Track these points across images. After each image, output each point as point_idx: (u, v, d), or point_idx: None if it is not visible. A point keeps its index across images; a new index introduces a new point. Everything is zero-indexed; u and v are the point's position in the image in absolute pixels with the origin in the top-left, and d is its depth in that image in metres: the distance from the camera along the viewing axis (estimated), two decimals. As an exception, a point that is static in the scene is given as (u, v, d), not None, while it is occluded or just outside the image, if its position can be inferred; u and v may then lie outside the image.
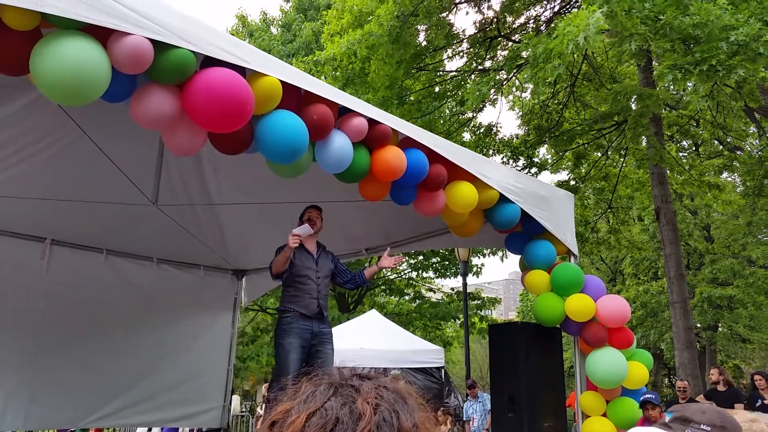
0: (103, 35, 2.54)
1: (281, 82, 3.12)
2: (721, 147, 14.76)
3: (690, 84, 6.58)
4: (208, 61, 2.90)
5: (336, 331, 12.82)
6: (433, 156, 4.07)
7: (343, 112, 3.63)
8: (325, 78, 10.14)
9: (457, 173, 4.27)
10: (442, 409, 11.40)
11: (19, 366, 5.92)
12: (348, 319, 14.48)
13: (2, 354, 5.83)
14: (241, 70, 2.96)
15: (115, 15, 2.50)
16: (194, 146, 3.09)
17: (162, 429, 9.02)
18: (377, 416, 0.69)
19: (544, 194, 5.02)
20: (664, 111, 10.94)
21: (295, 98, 3.32)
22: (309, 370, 0.81)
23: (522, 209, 4.66)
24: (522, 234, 5.05)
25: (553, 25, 9.44)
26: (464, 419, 10.29)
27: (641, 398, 4.97)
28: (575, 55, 6.05)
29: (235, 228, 6.61)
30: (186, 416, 7.24)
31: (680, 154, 14.70)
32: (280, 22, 19.19)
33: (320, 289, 4.79)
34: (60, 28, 2.47)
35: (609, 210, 13.18)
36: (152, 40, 2.61)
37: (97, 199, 5.46)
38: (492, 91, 9.84)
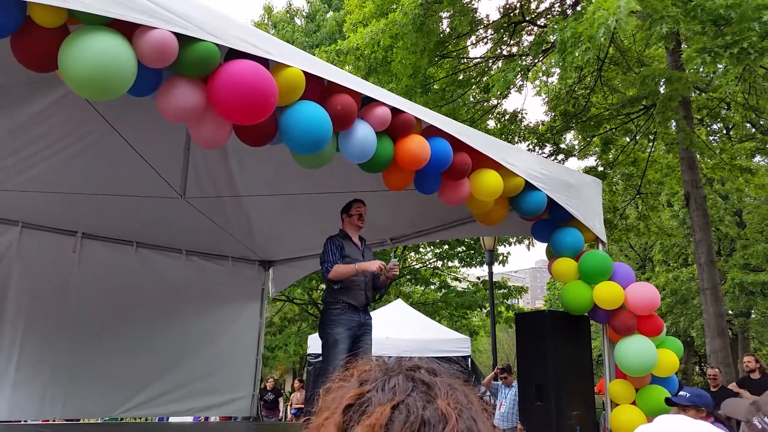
0: (128, 30, 2.57)
1: (304, 72, 3.12)
2: (753, 130, 14.40)
3: (720, 66, 6.42)
4: (232, 54, 2.92)
5: (362, 320, 12.93)
6: (457, 144, 4.04)
7: (366, 102, 3.63)
8: (348, 68, 10.12)
9: (482, 161, 4.24)
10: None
11: (55, 357, 6.07)
12: (374, 309, 14.52)
13: (39, 345, 5.99)
14: (265, 62, 2.97)
15: (139, 9, 2.53)
16: (220, 138, 3.12)
17: (194, 418, 9.16)
18: (461, 424, 0.65)
19: (571, 181, 4.96)
20: (693, 94, 10.70)
21: (318, 89, 3.32)
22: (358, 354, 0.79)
23: (548, 196, 4.61)
24: (549, 222, 5.00)
25: (579, 8, 9.27)
26: (496, 401, 10.25)
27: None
28: (604, 39, 5.92)
29: (261, 219, 6.67)
30: (216, 405, 7.36)
31: (710, 137, 14.39)
32: (304, 13, 19.18)
33: (367, 281, 4.80)
34: (86, 24, 2.51)
35: (638, 196, 12.96)
36: (177, 34, 2.63)
37: (126, 193, 5.55)
38: (518, 77, 9.73)
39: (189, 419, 9.14)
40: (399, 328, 11.73)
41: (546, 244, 5.17)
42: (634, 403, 4.73)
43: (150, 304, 6.71)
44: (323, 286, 17.40)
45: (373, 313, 14.04)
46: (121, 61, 2.51)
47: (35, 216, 5.95)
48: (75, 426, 6.53)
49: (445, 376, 0.72)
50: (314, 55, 10.72)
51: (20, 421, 6.32)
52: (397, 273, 4.94)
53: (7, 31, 2.50)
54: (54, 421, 6.24)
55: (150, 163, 5.21)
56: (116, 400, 6.50)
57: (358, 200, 4.94)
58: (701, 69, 8.52)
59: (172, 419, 9.14)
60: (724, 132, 15.86)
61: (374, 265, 4.57)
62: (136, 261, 6.70)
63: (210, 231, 6.59)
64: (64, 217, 6.04)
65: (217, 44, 2.79)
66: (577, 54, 6.07)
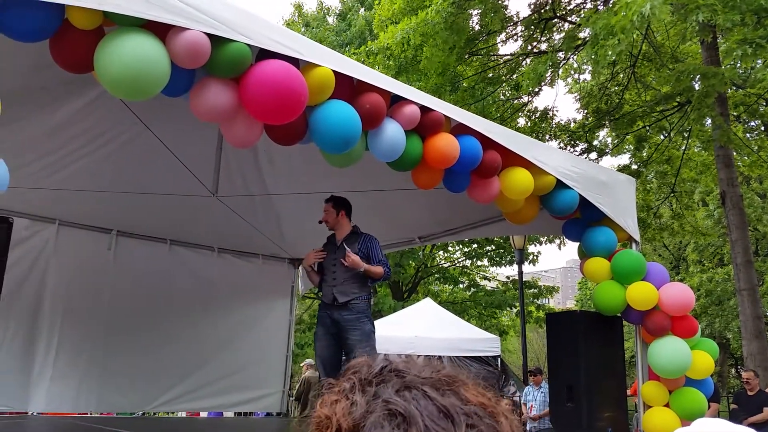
0: (162, 31, 2.61)
1: (334, 72, 3.14)
2: (793, 127, 14.00)
3: (759, 62, 6.25)
4: (263, 54, 2.95)
5: (390, 319, 12.97)
6: (487, 142, 4.02)
7: (395, 101, 3.62)
8: (378, 68, 10.14)
9: (512, 159, 4.20)
10: (502, 396, 11.33)
11: (91, 352, 6.22)
12: (402, 308, 14.52)
13: (75, 340, 6.13)
14: (295, 62, 2.99)
15: (172, 11, 2.57)
16: (251, 138, 3.16)
17: (209, 413, 9.28)
18: None
19: (604, 179, 4.88)
20: (730, 90, 10.44)
21: (347, 88, 3.33)
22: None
23: (580, 195, 4.55)
24: (580, 220, 4.93)
25: (611, 3, 9.13)
26: (522, 402, 10.18)
27: None
28: (638, 31, 5.79)
29: (291, 217, 6.72)
30: (247, 401, 7.45)
31: (747, 135, 14.01)
32: (336, 11, 19.26)
33: (336, 276, 4.74)
34: (121, 26, 2.56)
35: (672, 194, 12.71)
36: (209, 35, 2.67)
37: (160, 191, 5.64)
38: (549, 72, 9.61)
39: (230, 414, 9.22)
40: (427, 327, 11.70)
41: (578, 244, 5.10)
42: (667, 405, 4.64)
43: (182, 300, 6.82)
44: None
45: (401, 312, 14.09)
46: (155, 62, 2.55)
47: (71, 214, 6.08)
48: (108, 419, 6.68)
49: (434, 383, 0.63)
50: (344, 54, 10.79)
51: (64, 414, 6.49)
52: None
53: (47, 33, 2.56)
54: (90, 414, 6.40)
55: (183, 162, 5.29)
56: (149, 395, 6.62)
57: (327, 199, 4.98)
58: (739, 64, 8.31)
59: (180, 414, 9.25)
60: (762, 129, 15.45)
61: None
62: (170, 258, 6.81)
63: (241, 229, 6.67)
64: (100, 215, 6.17)
65: (248, 44, 2.82)
66: (609, 47, 5.96)
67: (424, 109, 3.70)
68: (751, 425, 7.46)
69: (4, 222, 2.76)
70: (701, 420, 0.89)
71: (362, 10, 17.90)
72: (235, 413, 8.78)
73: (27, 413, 5.99)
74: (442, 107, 3.88)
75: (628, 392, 6.52)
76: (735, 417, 7.96)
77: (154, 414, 7.20)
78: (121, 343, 6.35)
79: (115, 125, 4.69)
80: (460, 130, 3.95)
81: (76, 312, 6.15)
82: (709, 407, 5.35)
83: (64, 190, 5.37)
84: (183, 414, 7.66)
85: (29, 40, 2.58)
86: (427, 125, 3.73)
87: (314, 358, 4.74)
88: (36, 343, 5.95)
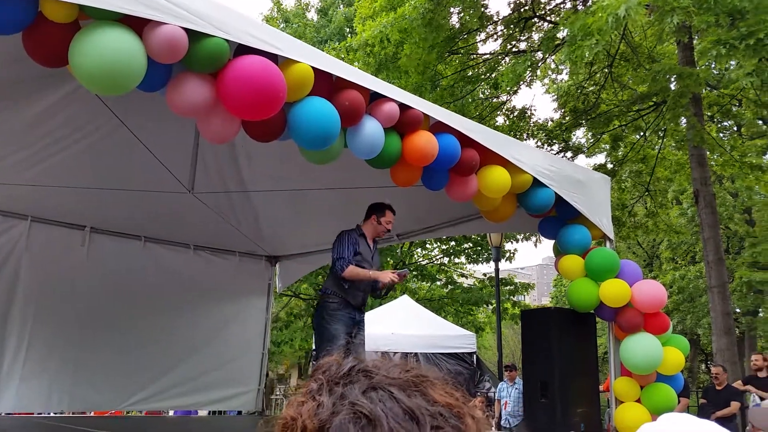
0: (138, 25, 2.58)
1: (313, 68, 3.13)
2: (765, 127, 14.29)
3: (733, 63, 6.36)
4: (242, 49, 2.93)
5: (368, 316, 12.79)
6: (465, 140, 4.04)
7: (374, 98, 3.63)
8: (357, 64, 10.12)
9: (490, 157, 4.24)
10: (476, 393, 11.43)
11: (63, 350, 6.13)
12: (380, 305, 14.53)
13: (46, 338, 6.04)
14: (274, 58, 2.98)
15: (150, 5, 2.54)
16: (229, 134, 3.14)
17: (175, 412, 9.18)
18: None
19: (580, 178, 4.95)
20: (704, 91, 10.63)
21: (326, 85, 3.33)
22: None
23: (556, 193, 4.60)
24: (556, 218, 4.99)
25: (590, 3, 9.23)
26: (496, 398, 10.29)
27: None
28: (614, 32, 5.87)
29: (268, 215, 6.69)
30: (222, 399, 7.41)
31: (721, 134, 14.29)
32: (316, 7, 19.15)
33: (370, 282, 4.78)
34: (97, 20, 2.52)
35: (647, 193, 12.91)
36: (186, 30, 2.64)
37: (135, 188, 5.58)
38: (528, 71, 9.69)
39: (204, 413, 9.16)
40: (405, 324, 11.74)
41: (553, 241, 5.16)
42: (639, 401, 4.73)
43: (158, 298, 6.75)
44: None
45: (378, 309, 14.07)
46: (131, 57, 2.53)
47: (44, 210, 5.98)
48: (82, 419, 6.59)
49: (401, 382, 0.63)
50: (324, 51, 10.76)
51: (30, 414, 6.38)
52: (401, 281, 4.90)
53: (20, 26, 2.52)
54: (62, 414, 6.31)
55: (159, 158, 5.23)
56: (123, 394, 6.54)
57: (393, 210, 4.87)
58: (713, 65, 8.46)
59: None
60: (735, 129, 15.76)
61: (387, 277, 4.55)
62: (145, 255, 6.73)
63: (218, 226, 6.62)
64: (73, 211, 6.08)
65: (226, 40, 2.80)
66: (586, 47, 6.03)
67: (403, 107, 3.71)
68: (718, 419, 7.64)
69: (-25, 217, 2.71)
70: (667, 415, 0.92)
71: (342, 6, 17.83)
72: (209, 412, 8.72)
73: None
74: (421, 105, 3.89)
75: (601, 388, 6.61)
76: (704, 411, 8.12)
77: (128, 413, 7.12)
78: (94, 341, 6.26)
79: (90, 120, 4.62)
80: (439, 128, 3.97)
81: (49, 310, 6.06)
82: (679, 402, 5.46)
83: (37, 186, 5.28)
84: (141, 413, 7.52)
85: (2, 32, 2.53)
86: (406, 123, 3.74)
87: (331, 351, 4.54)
88: (5, 342, 5.83)
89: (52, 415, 6.25)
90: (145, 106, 4.22)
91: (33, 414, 6.19)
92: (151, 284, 6.73)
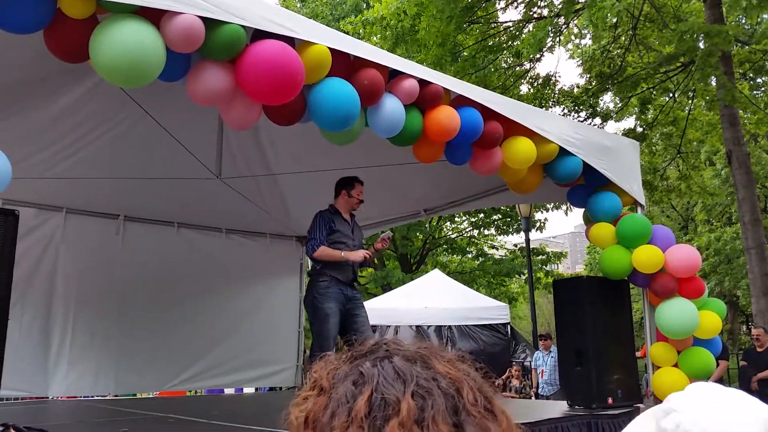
0: (155, 16, 2.60)
1: (330, 49, 3.12)
2: (800, 81, 13.78)
3: (765, 15, 6.14)
4: (258, 34, 2.93)
5: (399, 291, 13.07)
6: (488, 113, 4.00)
7: (393, 75, 3.61)
8: (375, 38, 10.03)
9: (514, 129, 4.19)
10: (512, 362, 11.47)
11: (105, 336, 6.32)
12: (411, 279, 14.60)
13: (88, 326, 6.23)
14: (290, 41, 2.98)
15: (164, -5, 2.56)
16: (250, 120, 3.16)
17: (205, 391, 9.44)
18: (472, 384, 0.66)
19: (608, 144, 4.87)
20: (734, 48, 10.28)
21: (344, 65, 3.32)
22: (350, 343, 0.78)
23: (584, 161, 4.53)
24: (585, 187, 4.92)
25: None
26: (533, 367, 10.31)
27: None
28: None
29: (295, 196, 6.75)
30: (262, 377, 7.59)
31: (754, 92, 13.83)
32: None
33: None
34: (114, 13, 2.55)
35: (678, 155, 12.62)
36: (203, 18, 2.66)
37: (164, 176, 5.67)
38: (549, 38, 9.49)
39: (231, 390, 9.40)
40: (437, 298, 11.80)
41: (583, 210, 5.11)
42: (676, 365, 4.69)
43: (193, 281, 6.89)
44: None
45: (410, 284, 14.13)
46: (150, 48, 2.55)
47: (78, 201, 6.12)
48: (142, 401, 6.85)
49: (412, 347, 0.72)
50: (340, 27, 10.68)
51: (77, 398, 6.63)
52: (387, 246, 4.95)
53: (40, 24, 2.56)
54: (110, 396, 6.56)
55: (185, 146, 5.30)
56: (166, 375, 6.73)
57: (360, 181, 4.95)
58: (743, 20, 8.17)
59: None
60: (769, 85, 15.21)
61: (359, 255, 4.67)
62: (178, 241, 6.86)
63: (247, 209, 6.70)
64: (106, 201, 6.21)
65: (242, 26, 2.81)
66: (608, 8, 5.87)
67: (423, 83, 3.68)
68: (759, 381, 7.53)
69: (10, 215, 2.79)
70: (695, 384, 0.91)
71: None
72: (236, 390, 8.93)
73: (47, 398, 6.13)
74: (441, 80, 3.85)
75: (638, 354, 6.57)
76: (744, 374, 8.02)
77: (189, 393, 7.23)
78: (134, 326, 6.43)
79: (116, 112, 4.70)
80: (460, 102, 3.93)
81: (89, 297, 6.23)
82: (718, 365, 5.41)
83: (69, 179, 5.41)
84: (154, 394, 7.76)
85: (24, 31, 2.57)
86: (426, 99, 3.71)
87: (324, 330, 4.60)
88: (51, 332, 6.04)
89: (110, 397, 6.51)
90: (168, 96, 4.27)
91: (79, 397, 6.44)
92: (186, 268, 6.87)
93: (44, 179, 5.33)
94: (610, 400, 4.63)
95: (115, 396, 6.68)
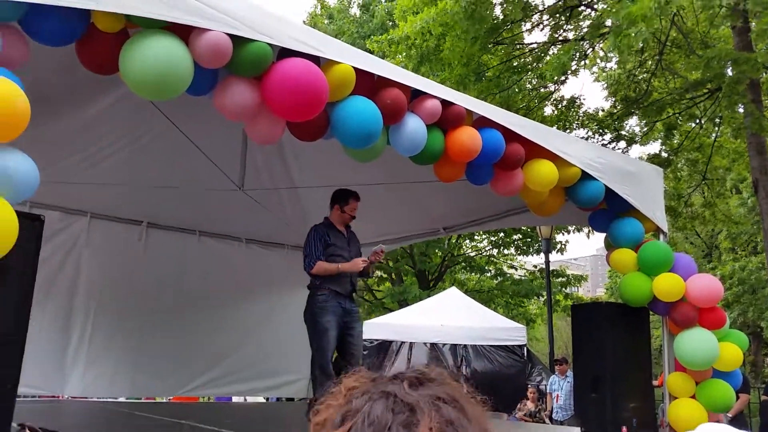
0: (184, 32, 2.66)
1: (354, 68, 3.16)
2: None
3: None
4: (284, 52, 2.99)
5: (416, 308, 13.01)
6: (510, 134, 4.00)
7: (416, 95, 3.64)
8: (400, 57, 10.10)
9: (536, 151, 4.18)
10: (528, 384, 11.33)
11: (124, 339, 6.40)
12: (428, 296, 14.54)
13: (107, 329, 6.32)
14: (316, 59, 3.02)
15: (193, 12, 2.62)
16: (274, 135, 3.21)
17: (216, 398, 9.48)
18: None
19: (631, 169, 4.83)
20: (763, 75, 10.17)
21: (368, 83, 3.36)
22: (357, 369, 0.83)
23: (606, 186, 4.51)
24: (607, 211, 4.88)
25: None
26: (548, 391, 10.18)
27: None
28: (661, 19, 5.69)
29: (315, 209, 6.77)
30: (275, 386, 7.61)
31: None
32: (359, 2, 19.18)
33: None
34: (144, 28, 2.62)
35: (703, 182, 12.46)
36: (230, 35, 2.71)
37: (188, 185, 5.76)
38: (574, 61, 9.47)
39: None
40: (453, 316, 11.70)
41: (605, 234, 5.06)
42: (693, 396, 4.61)
43: (212, 289, 6.95)
44: (378, 273, 17.53)
45: (427, 301, 14.05)
46: (178, 63, 2.61)
47: (102, 207, 6.24)
48: (155, 405, 6.92)
49: (436, 384, 0.75)
50: (366, 45, 10.77)
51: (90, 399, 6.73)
52: (381, 259, 4.94)
53: (73, 37, 2.64)
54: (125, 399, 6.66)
55: (210, 157, 5.38)
56: (182, 380, 6.79)
57: (356, 196, 4.95)
58: (773, 48, 8.10)
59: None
60: (799, 114, 14.99)
61: (357, 265, 4.71)
62: (199, 248, 6.94)
63: (267, 220, 6.77)
64: (130, 207, 6.32)
65: (269, 44, 2.86)
66: (632, 35, 5.86)
67: (446, 103, 3.70)
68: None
69: (35, 219, 2.86)
70: (705, 425, 0.91)
71: (384, 0, 17.79)
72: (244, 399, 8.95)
73: (59, 397, 6.22)
74: (464, 101, 3.87)
75: (656, 383, 6.46)
76: (766, 408, 7.84)
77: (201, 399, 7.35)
78: (153, 331, 6.51)
79: (143, 122, 4.80)
80: (483, 123, 3.94)
81: (109, 301, 6.33)
82: (738, 398, 5.30)
83: (95, 184, 5.52)
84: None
85: (58, 44, 2.65)
86: (448, 119, 3.73)
87: (323, 344, 4.69)
88: (70, 333, 6.14)
89: (121, 400, 6.58)
90: (194, 108, 4.35)
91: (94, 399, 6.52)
92: (206, 276, 6.94)
93: (71, 183, 5.44)
94: (624, 429, 4.55)
95: (127, 399, 6.76)
